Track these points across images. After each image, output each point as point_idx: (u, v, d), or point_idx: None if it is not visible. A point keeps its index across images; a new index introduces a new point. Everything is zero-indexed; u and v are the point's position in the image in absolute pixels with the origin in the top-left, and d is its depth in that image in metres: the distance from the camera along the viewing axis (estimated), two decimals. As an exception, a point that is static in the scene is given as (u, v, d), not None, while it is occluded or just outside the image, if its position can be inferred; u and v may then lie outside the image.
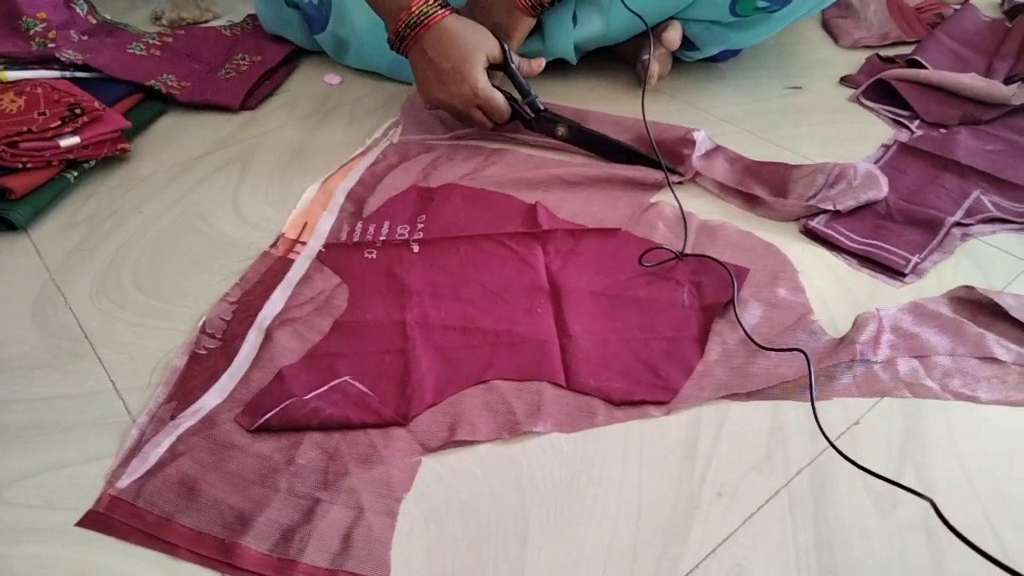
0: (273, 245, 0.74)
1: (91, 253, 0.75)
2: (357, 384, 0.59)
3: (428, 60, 0.82)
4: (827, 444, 0.54)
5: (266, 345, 0.63)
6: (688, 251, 0.72)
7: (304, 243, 0.75)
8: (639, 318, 0.66)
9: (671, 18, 0.94)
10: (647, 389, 0.59)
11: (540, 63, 0.91)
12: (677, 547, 0.49)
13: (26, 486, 0.53)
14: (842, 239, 0.74)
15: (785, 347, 0.61)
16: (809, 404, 0.56)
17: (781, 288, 0.68)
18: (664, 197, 0.80)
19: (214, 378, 0.61)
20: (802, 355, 0.59)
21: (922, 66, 1.03)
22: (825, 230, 0.75)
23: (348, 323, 0.65)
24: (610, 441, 0.56)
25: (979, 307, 0.67)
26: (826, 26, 1.20)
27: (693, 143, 0.84)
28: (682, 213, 0.77)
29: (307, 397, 0.58)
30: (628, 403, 0.58)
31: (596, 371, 0.60)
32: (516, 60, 0.87)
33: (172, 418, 0.58)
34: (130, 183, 0.85)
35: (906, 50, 1.11)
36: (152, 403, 0.59)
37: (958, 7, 1.20)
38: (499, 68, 0.86)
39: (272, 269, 0.72)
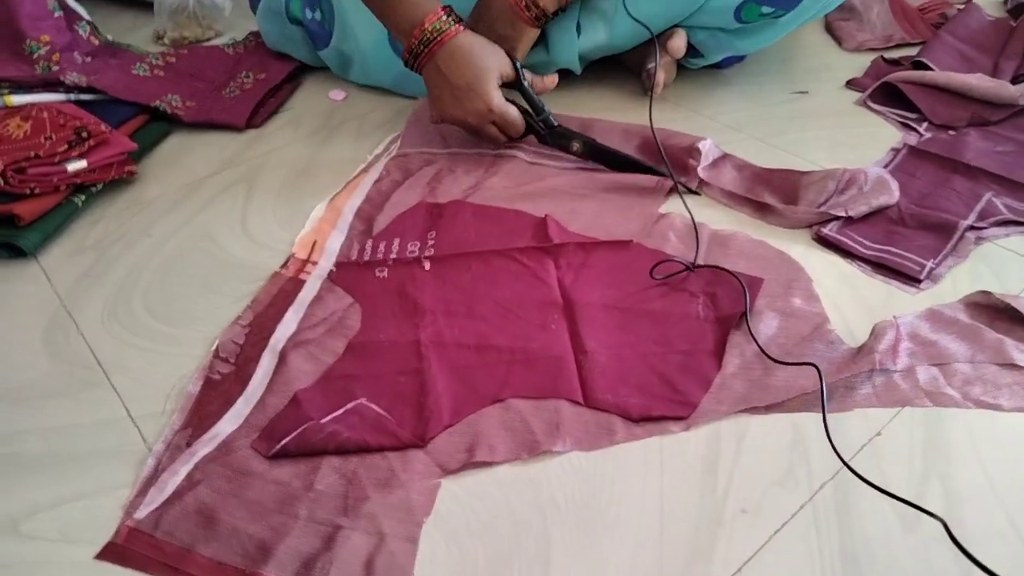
0: (284, 266, 0.74)
1: (101, 278, 0.74)
2: (373, 406, 0.59)
3: (442, 77, 0.82)
4: (849, 457, 0.54)
5: (280, 368, 0.63)
6: (700, 262, 0.72)
7: (315, 263, 0.74)
8: (654, 331, 0.65)
9: (676, 26, 0.93)
10: (665, 404, 0.59)
11: (553, 79, 0.91)
12: (701, 566, 0.48)
13: (42, 519, 0.53)
14: (855, 246, 0.73)
15: (799, 360, 0.61)
16: (831, 417, 0.55)
17: (796, 297, 0.68)
18: (675, 208, 0.80)
19: (229, 403, 0.60)
20: (820, 367, 0.58)
21: (928, 67, 1.02)
22: (838, 237, 0.74)
23: (362, 344, 0.65)
24: (630, 458, 0.55)
25: (996, 312, 0.66)
26: (829, 29, 1.20)
27: (700, 153, 0.84)
28: (694, 224, 0.76)
29: (324, 421, 0.57)
30: (647, 419, 0.58)
31: (614, 387, 0.60)
32: (528, 77, 0.87)
33: (188, 445, 0.57)
34: (138, 206, 0.85)
35: (911, 51, 1.10)
36: (167, 430, 0.58)
37: (961, 7, 1.19)
38: (511, 86, 0.86)
39: (283, 290, 0.71)
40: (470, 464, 0.55)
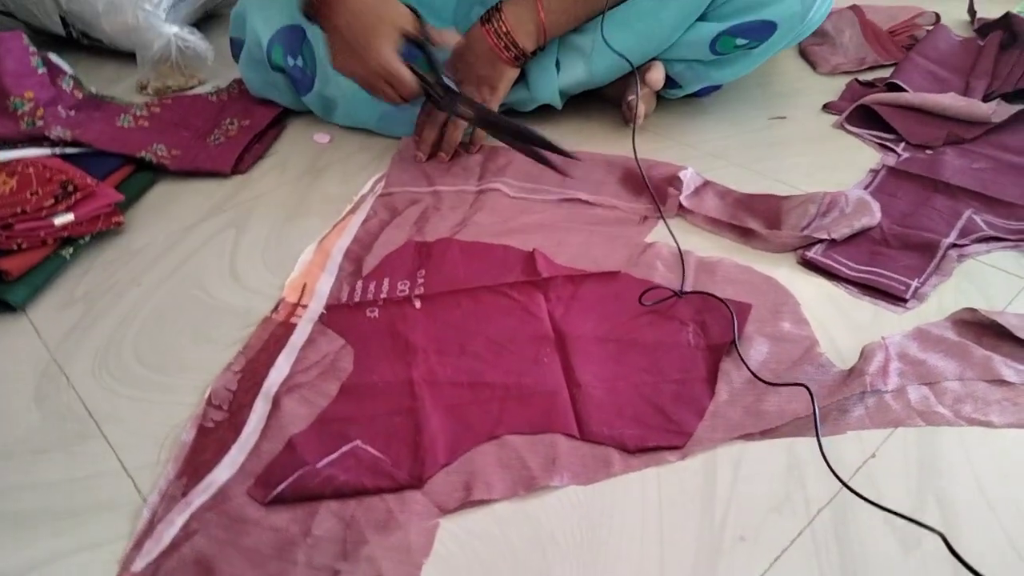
0: (274, 310, 0.74)
1: (90, 329, 0.74)
2: (369, 448, 0.59)
3: (338, 31, 0.80)
4: (845, 481, 0.54)
5: (274, 413, 0.62)
6: (688, 289, 0.73)
7: (305, 306, 0.74)
8: (646, 361, 0.66)
9: (653, 59, 0.95)
10: (661, 435, 0.59)
11: (452, 34, 0.87)
12: (704, 597, 0.48)
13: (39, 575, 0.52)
14: (841, 268, 0.74)
15: (791, 382, 0.61)
16: (825, 440, 0.55)
17: (785, 322, 0.69)
18: (660, 236, 0.80)
19: (223, 451, 0.60)
20: (812, 390, 0.59)
21: (902, 89, 1.04)
22: (823, 260, 0.75)
23: (355, 385, 0.65)
24: (627, 491, 0.55)
25: (983, 328, 0.67)
26: (803, 54, 1.23)
27: (681, 182, 0.85)
28: (679, 251, 0.77)
29: (319, 465, 0.57)
30: (643, 450, 0.58)
31: (609, 419, 0.60)
32: (434, 36, 0.85)
33: (183, 495, 0.57)
34: (126, 256, 0.85)
35: (884, 73, 1.13)
36: (162, 480, 0.58)
37: (930, 28, 1.22)
38: (414, 42, 0.84)
39: (274, 335, 0.71)
40: (468, 503, 0.55)
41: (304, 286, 0.77)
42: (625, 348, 0.67)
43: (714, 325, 0.68)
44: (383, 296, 0.75)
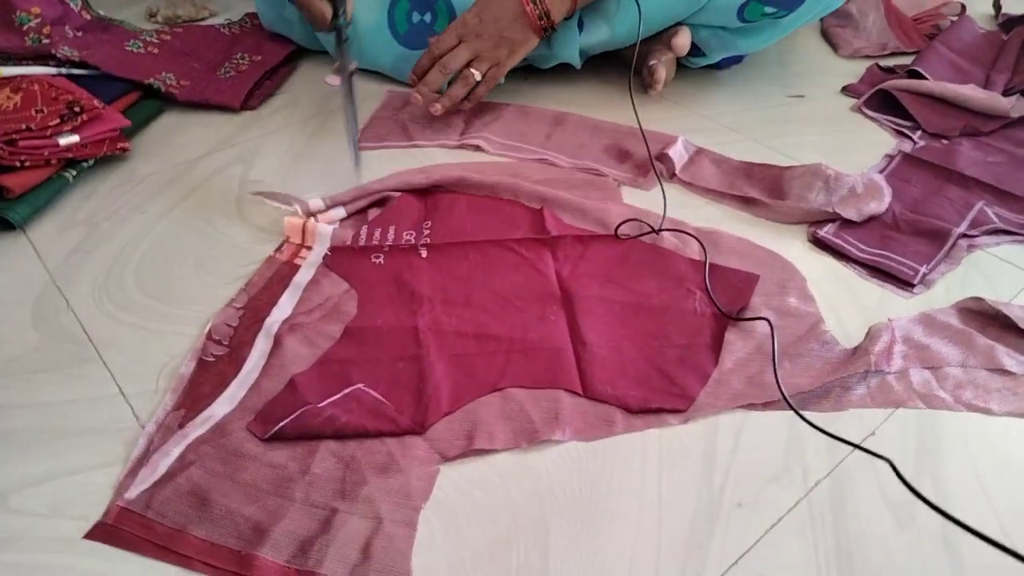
0: (278, 250, 0.73)
1: (92, 253, 0.73)
2: (372, 392, 0.58)
3: None
4: (845, 454, 0.54)
5: (275, 352, 0.62)
6: (668, 229, 0.74)
7: (309, 248, 0.73)
8: (652, 325, 0.66)
9: (679, 23, 0.94)
10: (664, 397, 0.59)
11: None
12: (699, 558, 0.49)
13: (32, 494, 0.52)
14: (851, 249, 0.74)
15: (751, 317, 0.64)
16: (826, 415, 0.56)
17: (791, 297, 0.69)
18: (654, 205, 0.80)
19: (223, 385, 0.59)
20: (816, 366, 0.59)
21: (922, 77, 1.03)
22: (834, 240, 0.75)
23: (359, 329, 0.64)
24: (629, 451, 0.56)
25: (988, 318, 0.67)
26: (825, 35, 1.21)
27: (672, 160, 0.85)
28: (664, 193, 0.78)
29: (321, 405, 0.57)
30: (645, 411, 0.58)
31: (612, 379, 0.60)
32: None
33: (181, 427, 0.56)
34: (130, 183, 0.83)
35: (905, 60, 1.12)
36: (159, 411, 0.57)
37: (954, 19, 1.21)
38: None
39: (278, 274, 0.71)
40: (469, 451, 0.55)
41: (304, 226, 0.76)
42: (631, 311, 0.67)
43: (721, 294, 0.68)
44: (389, 243, 0.74)
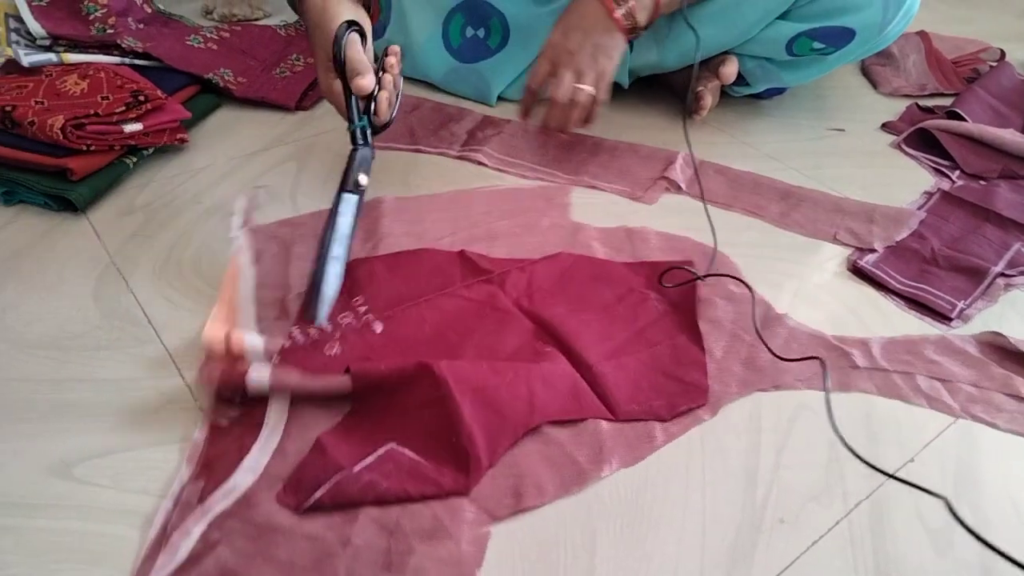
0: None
1: (151, 239, 0.75)
2: (406, 452, 0.54)
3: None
4: (884, 478, 0.56)
5: (292, 411, 0.57)
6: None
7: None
8: (630, 332, 0.67)
9: (727, 52, 0.96)
10: (684, 397, 0.61)
11: (368, 81, 0.74)
12: (743, 569, 0.50)
13: (96, 465, 0.54)
14: (891, 280, 0.76)
15: (803, 356, 0.65)
16: (863, 441, 0.57)
17: (731, 285, 0.73)
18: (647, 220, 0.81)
19: (242, 452, 0.54)
20: (818, 362, 0.64)
21: (961, 118, 1.05)
22: (873, 270, 0.77)
23: (365, 372, 0.58)
24: (672, 463, 0.57)
25: (1006, 353, 0.69)
26: (865, 72, 1.23)
27: (675, 182, 0.88)
28: (711, 223, 0.79)
29: (357, 470, 0.52)
30: (676, 415, 0.60)
31: (633, 394, 0.61)
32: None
33: (200, 501, 0.51)
34: (187, 173, 0.86)
35: (943, 102, 1.13)
36: (175, 483, 0.52)
37: (994, 64, 1.23)
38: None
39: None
40: (520, 510, 0.52)
41: (228, 336, 0.59)
42: (606, 323, 0.67)
43: (667, 290, 0.71)
44: (337, 331, 0.64)
